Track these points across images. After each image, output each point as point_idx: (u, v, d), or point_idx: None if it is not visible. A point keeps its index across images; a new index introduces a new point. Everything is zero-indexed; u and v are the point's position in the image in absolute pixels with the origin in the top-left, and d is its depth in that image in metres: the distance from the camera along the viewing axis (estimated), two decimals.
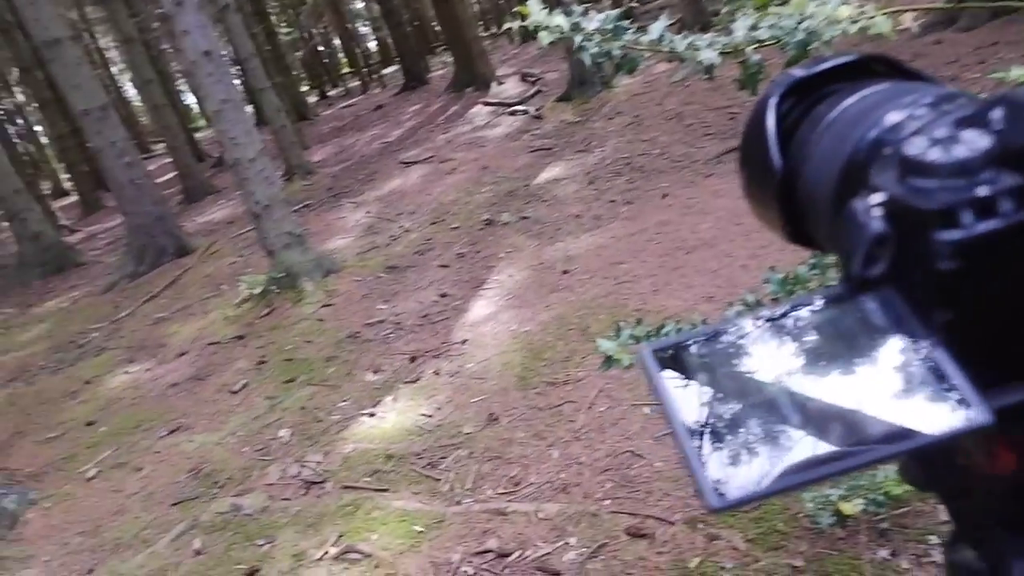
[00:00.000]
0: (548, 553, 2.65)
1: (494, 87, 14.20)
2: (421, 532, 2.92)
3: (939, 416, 0.29)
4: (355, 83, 28.69)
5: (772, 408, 0.31)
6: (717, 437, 0.31)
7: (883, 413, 0.30)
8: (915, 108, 0.37)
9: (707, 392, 0.33)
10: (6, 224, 11.17)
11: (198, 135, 21.93)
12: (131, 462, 4.22)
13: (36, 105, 17.45)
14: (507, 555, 2.69)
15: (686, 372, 0.34)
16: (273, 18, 22.29)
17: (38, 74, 13.91)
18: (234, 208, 11.11)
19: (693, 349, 0.34)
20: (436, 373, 4.16)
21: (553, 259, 5.33)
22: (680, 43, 1.49)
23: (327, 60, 34.75)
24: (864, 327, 0.33)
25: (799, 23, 1.36)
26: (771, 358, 0.33)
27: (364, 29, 36.31)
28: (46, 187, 22.48)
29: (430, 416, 3.73)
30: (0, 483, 4.21)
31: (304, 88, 27.12)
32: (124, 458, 4.29)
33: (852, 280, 0.33)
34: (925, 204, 0.31)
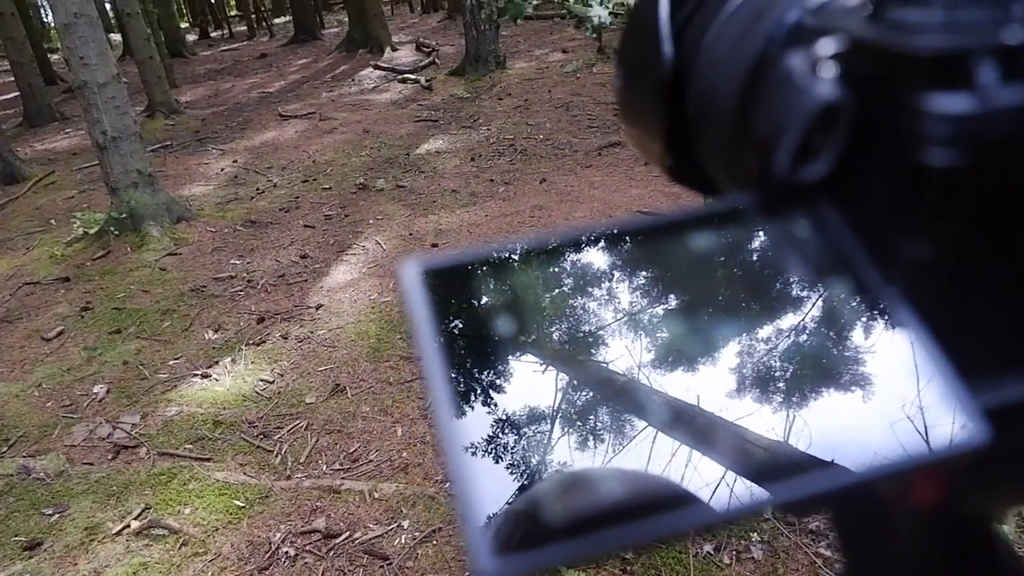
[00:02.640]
0: (379, 536, 2.48)
1: (388, 52, 13.74)
2: (242, 508, 2.66)
3: (897, 430, 0.17)
4: (241, 28, 27.04)
5: (618, 395, 0.19)
6: (509, 439, 0.19)
7: (801, 418, 0.18)
8: None
9: (502, 356, 0.21)
10: None
11: (53, 57, 19.80)
12: None
13: None
14: (334, 536, 2.50)
15: (475, 317, 0.21)
16: None
17: None
18: (82, 140, 10.06)
19: (489, 279, 0.22)
20: (284, 337, 3.86)
21: (424, 231, 5.13)
22: None
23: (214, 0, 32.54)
24: (780, 266, 0.20)
25: None
26: (622, 308, 0.21)
27: None
28: None
29: (271, 382, 3.44)
30: None
31: (184, 25, 25.21)
32: None
33: (769, 187, 0.20)
34: (915, 45, 0.18)
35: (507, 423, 0.20)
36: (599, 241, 0.22)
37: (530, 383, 0.20)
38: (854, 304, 0.20)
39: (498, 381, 0.20)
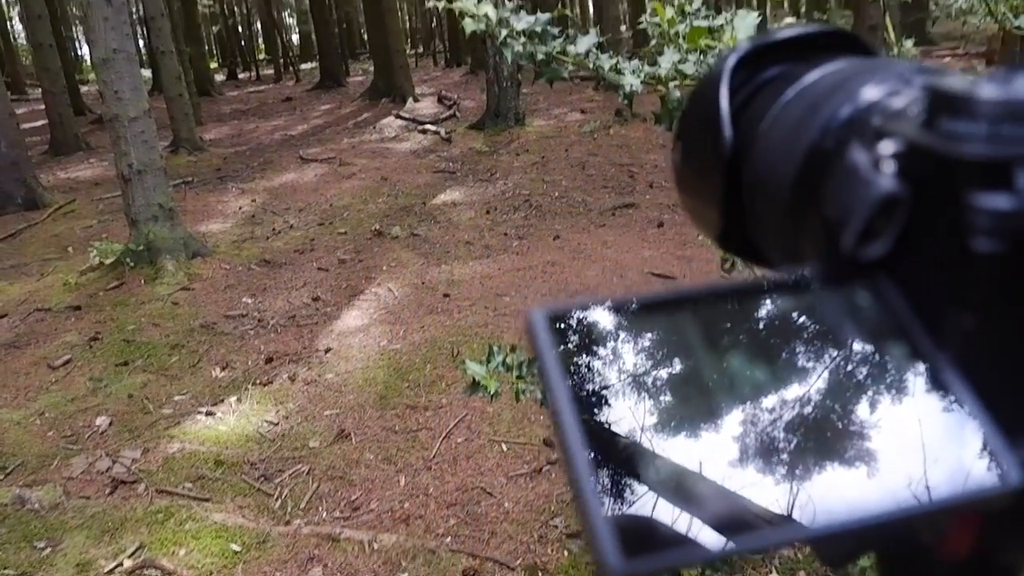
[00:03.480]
0: None
1: (410, 103, 14.04)
2: (238, 552, 2.61)
3: (946, 470, 0.20)
4: (269, 71, 27.72)
5: (714, 426, 0.23)
6: (631, 464, 0.22)
7: (864, 460, 0.21)
8: (894, 83, 0.28)
9: (623, 393, 0.24)
10: None
11: (84, 88, 20.31)
12: None
13: None
14: None
15: (592, 357, 0.24)
16: None
17: None
18: (106, 170, 10.25)
19: (605, 325, 0.25)
20: (291, 379, 3.85)
21: (436, 280, 5.15)
22: (606, 62, 1.39)
23: (244, 42, 33.49)
24: (845, 329, 0.24)
25: None
26: (715, 357, 0.24)
27: (290, 20, 35.35)
28: None
29: (275, 424, 3.42)
30: None
31: (213, 65, 25.89)
32: None
33: (836, 262, 0.24)
34: (965, 152, 0.21)
35: (624, 446, 0.22)
36: (701, 302, 0.25)
37: (640, 414, 0.23)
38: (909, 365, 0.22)
39: (616, 412, 0.23)
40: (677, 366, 0.24)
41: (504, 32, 1.36)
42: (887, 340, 0.23)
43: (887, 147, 0.24)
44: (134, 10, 12.03)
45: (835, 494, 0.21)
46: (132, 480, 3.02)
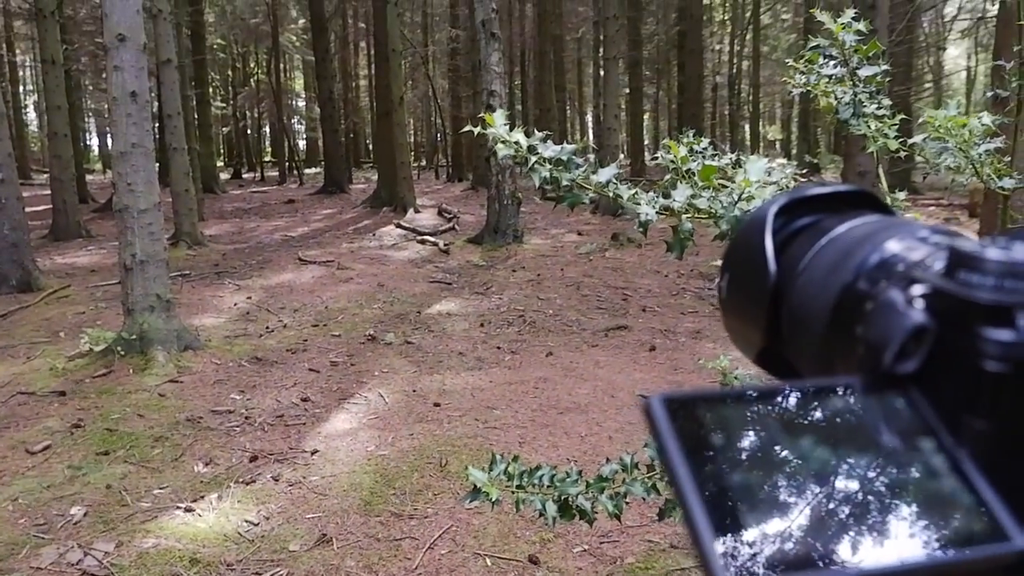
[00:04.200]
0: None
1: (410, 213, 14.44)
2: None
3: (967, 536, 0.27)
4: (273, 173, 28.55)
5: (796, 490, 0.28)
6: (734, 514, 0.27)
7: (907, 522, 0.27)
8: (912, 240, 0.37)
9: (724, 461, 0.29)
10: None
11: (89, 177, 20.80)
12: None
13: None
14: None
15: (699, 433, 0.30)
16: (211, 89, 22.21)
17: None
18: (104, 258, 10.37)
19: (709, 407, 0.31)
20: (275, 479, 3.78)
21: (428, 389, 5.15)
22: (624, 192, 1.50)
23: (252, 144, 34.67)
24: (883, 427, 0.30)
25: (737, 201, 1.40)
26: (794, 435, 0.30)
27: (299, 127, 36.78)
28: None
29: (256, 524, 3.33)
30: None
31: (219, 163, 26.70)
32: None
33: (877, 376, 0.31)
34: (979, 297, 0.29)
35: (733, 508, 0.27)
36: (782, 395, 0.32)
37: (742, 485, 0.29)
38: (935, 457, 0.29)
39: (725, 481, 0.28)
40: (765, 446, 0.30)
41: (533, 159, 1.49)
42: (917, 437, 0.30)
43: (917, 289, 0.32)
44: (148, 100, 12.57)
45: (880, 547, 0.27)
46: (103, 574, 2.90)
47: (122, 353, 5.59)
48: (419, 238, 11.75)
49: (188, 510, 3.44)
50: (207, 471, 3.88)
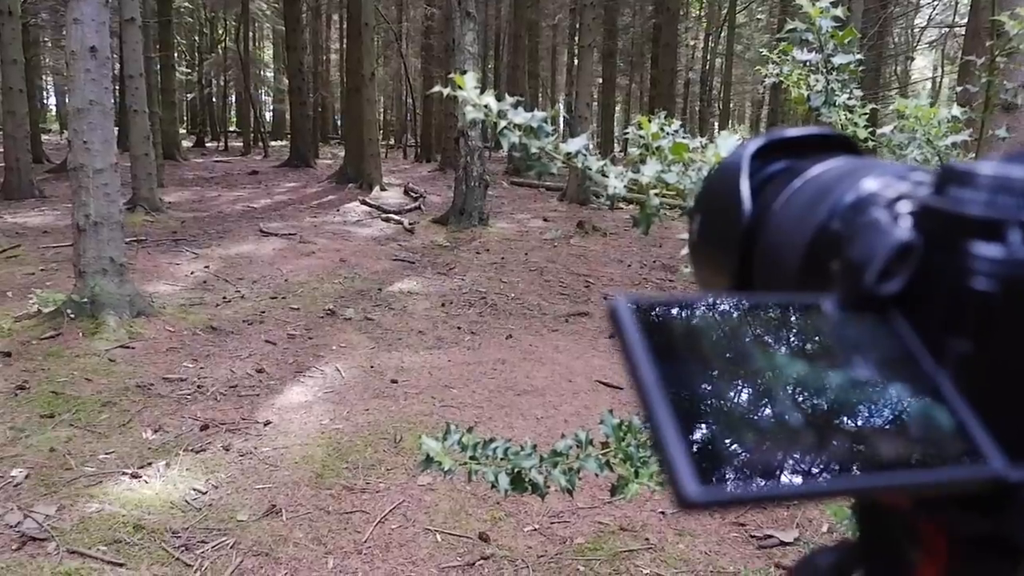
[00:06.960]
0: None
1: (376, 191, 14.28)
2: None
3: (942, 456, 0.26)
4: (238, 143, 27.95)
5: (768, 399, 0.27)
6: (700, 419, 0.25)
7: (886, 440, 0.26)
8: (892, 177, 0.36)
9: (690, 365, 0.28)
10: None
11: (45, 137, 20.10)
12: None
13: None
14: None
15: (666, 338, 0.28)
16: (176, 54, 21.62)
17: None
18: (56, 219, 10.05)
19: (676, 313, 0.30)
20: (225, 448, 3.71)
21: (385, 366, 5.12)
22: (594, 163, 1.49)
23: (216, 112, 33.87)
24: (862, 346, 0.29)
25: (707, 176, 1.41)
26: (767, 346, 0.29)
27: (266, 97, 36.03)
28: None
29: (204, 493, 3.27)
30: None
31: (182, 131, 26.05)
32: None
33: (857, 296, 0.29)
34: (968, 211, 0.27)
35: (699, 407, 0.26)
36: (756, 307, 0.31)
37: (710, 389, 0.27)
38: (914, 379, 0.28)
39: (691, 385, 0.27)
40: (736, 355, 0.29)
41: (503, 123, 1.47)
42: (896, 360, 0.28)
43: (904, 206, 0.30)
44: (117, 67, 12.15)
45: (856, 461, 0.25)
46: (43, 537, 2.82)
47: (72, 316, 5.42)
48: (384, 216, 11.63)
49: (134, 476, 3.36)
50: (156, 438, 3.80)
